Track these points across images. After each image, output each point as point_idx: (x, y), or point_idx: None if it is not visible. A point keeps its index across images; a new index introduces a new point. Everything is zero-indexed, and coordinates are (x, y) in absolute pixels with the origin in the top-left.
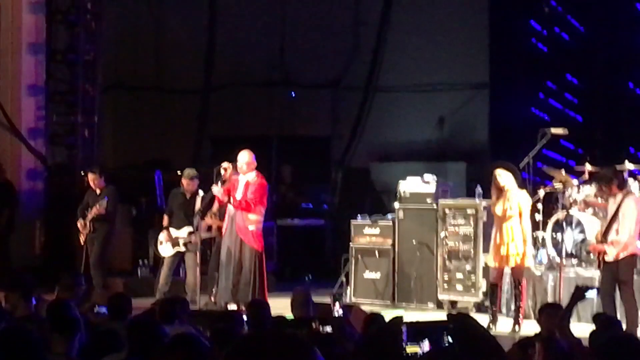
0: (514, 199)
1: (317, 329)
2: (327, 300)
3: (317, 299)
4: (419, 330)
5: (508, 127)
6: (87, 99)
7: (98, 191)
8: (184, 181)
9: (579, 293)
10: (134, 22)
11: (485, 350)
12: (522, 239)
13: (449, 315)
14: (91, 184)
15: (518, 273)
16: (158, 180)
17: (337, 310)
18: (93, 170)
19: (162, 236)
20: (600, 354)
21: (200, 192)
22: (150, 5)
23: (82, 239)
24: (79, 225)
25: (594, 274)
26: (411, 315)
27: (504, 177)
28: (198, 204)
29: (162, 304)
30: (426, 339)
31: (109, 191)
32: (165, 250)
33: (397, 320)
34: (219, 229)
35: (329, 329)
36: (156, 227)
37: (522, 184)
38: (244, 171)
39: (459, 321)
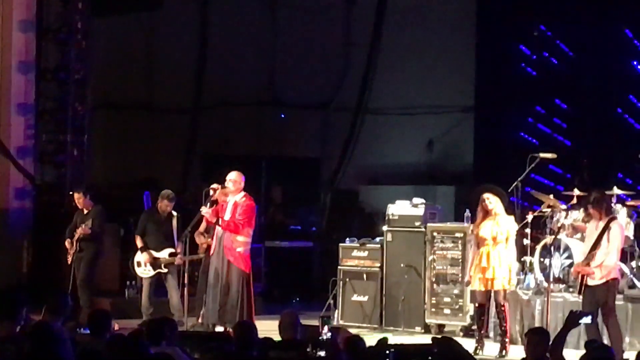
0: (504, 225)
1: (311, 353)
2: (315, 322)
3: (304, 321)
4: (404, 353)
5: (496, 150)
6: (76, 117)
7: (85, 211)
8: (164, 202)
9: (573, 319)
10: (124, 41)
11: None
12: (508, 263)
13: (433, 339)
14: (77, 203)
15: (501, 297)
16: (147, 200)
17: (326, 333)
18: (78, 190)
19: (141, 257)
20: None
21: (174, 213)
22: (141, 24)
23: (69, 258)
24: (67, 244)
25: (581, 299)
26: (398, 338)
27: (492, 201)
28: (174, 225)
29: (150, 324)
30: None
31: (95, 211)
32: (145, 272)
33: (383, 342)
34: (208, 248)
35: (322, 353)
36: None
37: (508, 209)
38: (230, 190)
39: (443, 345)
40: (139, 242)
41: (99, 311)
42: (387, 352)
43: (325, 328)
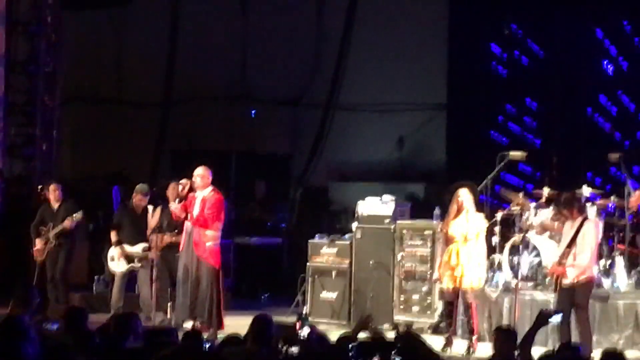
0: (474, 222)
1: (281, 350)
2: (284, 318)
3: (274, 317)
4: (367, 348)
5: (466, 149)
6: (46, 111)
7: (56, 205)
8: (139, 197)
9: (542, 317)
10: (94, 34)
11: None
12: (477, 261)
13: (396, 335)
14: (51, 196)
15: (470, 295)
16: (116, 195)
17: (304, 331)
18: (55, 181)
19: (114, 252)
20: None
21: (150, 207)
22: (111, 18)
23: (37, 257)
24: (37, 243)
25: (549, 297)
26: (367, 334)
27: (466, 198)
28: (149, 219)
29: (117, 319)
30: (375, 357)
31: (71, 205)
32: (119, 266)
33: (346, 338)
34: (172, 245)
35: (295, 349)
36: (109, 242)
37: (479, 207)
38: (198, 185)
39: (407, 340)
40: (113, 237)
41: (75, 308)
42: (350, 347)
43: (305, 326)
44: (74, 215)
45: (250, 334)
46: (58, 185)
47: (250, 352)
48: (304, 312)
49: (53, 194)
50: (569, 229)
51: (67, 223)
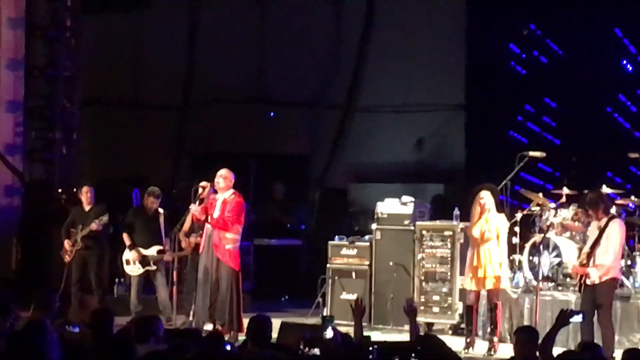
0: (493, 222)
1: (303, 352)
2: (304, 320)
3: (293, 319)
4: (387, 351)
5: (485, 149)
6: (65, 115)
7: (87, 208)
8: (150, 199)
9: (563, 318)
10: (113, 38)
11: None
12: (499, 261)
13: (417, 336)
14: (83, 197)
15: (494, 296)
16: (136, 198)
17: (328, 333)
18: (85, 184)
19: (130, 255)
20: None
21: (161, 210)
22: (130, 22)
23: (66, 258)
24: (65, 244)
25: (570, 297)
26: (387, 336)
27: (487, 199)
28: (161, 222)
29: (138, 322)
30: (396, 358)
31: (103, 207)
32: (134, 269)
33: (365, 340)
34: (197, 246)
35: (316, 351)
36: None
37: (499, 207)
38: (220, 187)
39: (426, 342)
40: (126, 240)
41: (101, 310)
42: (370, 349)
43: (329, 327)
44: (101, 217)
45: (249, 336)
46: (90, 187)
47: (252, 353)
48: (325, 313)
49: (85, 196)
50: (595, 229)
51: (94, 225)
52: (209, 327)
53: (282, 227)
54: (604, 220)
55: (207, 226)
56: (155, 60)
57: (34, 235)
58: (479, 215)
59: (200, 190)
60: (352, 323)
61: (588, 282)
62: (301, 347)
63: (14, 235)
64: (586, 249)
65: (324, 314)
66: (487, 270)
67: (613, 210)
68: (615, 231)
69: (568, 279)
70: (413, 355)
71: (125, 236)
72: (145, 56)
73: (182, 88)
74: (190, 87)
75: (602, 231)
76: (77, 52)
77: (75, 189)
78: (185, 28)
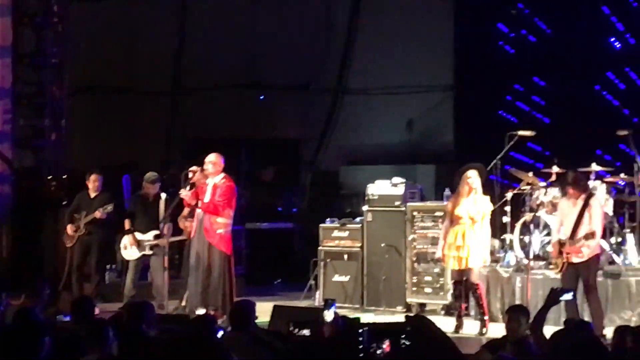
0: (481, 204)
1: (293, 333)
2: (297, 303)
3: (286, 302)
4: (378, 332)
5: (475, 129)
6: (54, 102)
7: (93, 194)
8: (147, 185)
9: (554, 296)
10: (102, 24)
11: (442, 351)
12: (483, 242)
13: (406, 317)
14: (90, 185)
15: (475, 276)
16: (126, 184)
17: (329, 315)
18: (95, 171)
19: (127, 240)
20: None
21: (163, 195)
22: (119, 7)
23: (68, 243)
24: (68, 229)
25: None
26: (380, 318)
27: (475, 179)
28: (162, 207)
29: (130, 307)
30: (386, 340)
31: (108, 196)
32: (131, 254)
33: (355, 322)
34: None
35: (306, 332)
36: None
37: (485, 189)
38: (209, 172)
39: (416, 323)
40: (127, 225)
41: (82, 298)
42: (360, 331)
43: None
44: (106, 206)
45: (230, 321)
46: (99, 176)
47: (230, 338)
48: (318, 296)
49: (92, 184)
50: (569, 206)
51: (98, 213)
52: (201, 312)
53: (272, 211)
54: (584, 197)
55: (199, 211)
56: (145, 46)
57: (25, 223)
58: (467, 194)
59: (190, 175)
60: (345, 305)
61: (575, 260)
62: (290, 328)
63: (4, 223)
64: (567, 227)
65: (317, 296)
66: (471, 251)
67: (603, 188)
68: (598, 208)
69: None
70: (403, 336)
71: (126, 222)
72: (135, 42)
73: (172, 74)
74: (181, 73)
75: (582, 209)
76: (66, 39)
77: (65, 176)
78: (175, 13)
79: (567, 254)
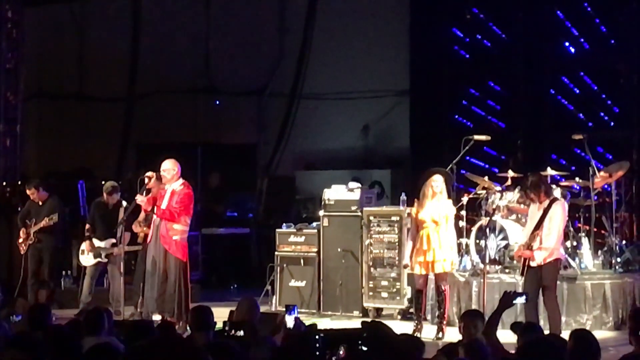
0: (444, 207)
1: (228, 333)
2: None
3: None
4: (333, 338)
5: (431, 134)
6: (8, 107)
7: (40, 202)
8: (105, 195)
9: (507, 299)
10: (56, 30)
11: (398, 357)
12: (449, 245)
13: (363, 323)
14: (32, 197)
15: (442, 279)
16: (81, 190)
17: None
18: (29, 186)
19: (84, 245)
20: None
21: (124, 203)
22: (73, 13)
23: (22, 248)
24: (21, 233)
25: (517, 279)
26: (337, 323)
27: (439, 184)
28: (121, 215)
29: (87, 315)
30: (342, 346)
31: (54, 203)
32: (87, 260)
33: (311, 328)
34: (146, 237)
35: (240, 333)
36: (80, 237)
37: (449, 194)
38: (166, 179)
39: (373, 329)
40: (86, 230)
41: (39, 305)
42: (317, 337)
43: (290, 315)
44: (52, 217)
45: (192, 326)
46: (35, 189)
47: (199, 339)
48: (276, 301)
49: (33, 197)
50: (535, 210)
51: (44, 223)
52: (157, 318)
53: (218, 217)
54: (546, 202)
55: (155, 217)
56: (99, 51)
57: None
58: (431, 197)
59: (146, 180)
60: (301, 310)
61: (533, 264)
62: (226, 327)
63: None
64: (527, 231)
65: (274, 301)
66: (437, 254)
67: (558, 193)
68: (558, 213)
69: (514, 262)
70: (360, 342)
71: (87, 227)
72: (89, 48)
73: (127, 79)
74: (136, 78)
75: (544, 213)
76: (19, 45)
77: (20, 182)
78: (129, 18)
79: (523, 259)
